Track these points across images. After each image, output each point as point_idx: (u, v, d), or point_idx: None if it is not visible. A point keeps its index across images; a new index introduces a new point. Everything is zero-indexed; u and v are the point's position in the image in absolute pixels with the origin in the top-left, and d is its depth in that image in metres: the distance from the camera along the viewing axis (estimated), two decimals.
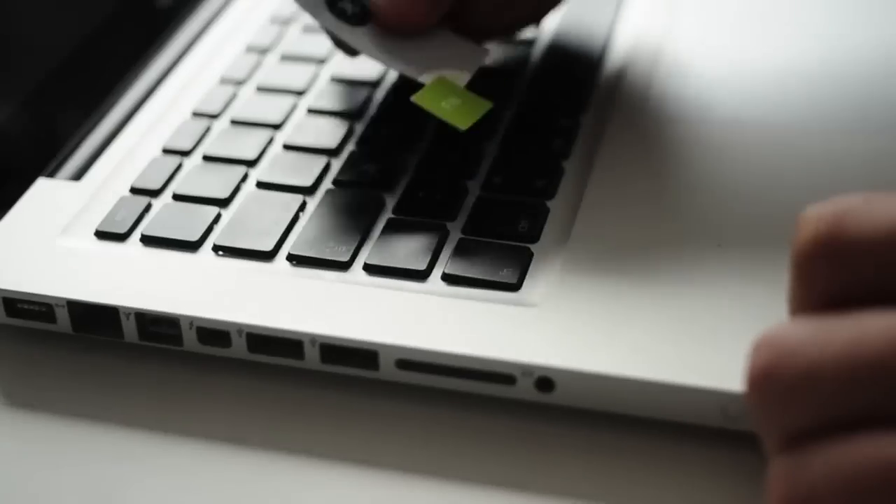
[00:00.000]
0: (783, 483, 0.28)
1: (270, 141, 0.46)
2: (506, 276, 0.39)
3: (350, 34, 0.40)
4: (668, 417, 0.36)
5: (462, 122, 0.38)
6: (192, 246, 0.41)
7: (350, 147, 0.46)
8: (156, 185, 0.44)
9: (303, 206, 0.43)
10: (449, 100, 0.38)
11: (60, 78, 0.49)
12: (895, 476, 0.27)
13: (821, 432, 0.28)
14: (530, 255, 0.40)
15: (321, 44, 0.51)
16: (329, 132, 0.46)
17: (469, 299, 0.38)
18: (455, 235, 0.41)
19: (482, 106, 0.38)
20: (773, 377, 0.28)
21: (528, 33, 0.51)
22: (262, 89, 0.49)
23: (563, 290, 0.38)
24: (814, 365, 0.28)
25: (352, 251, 0.40)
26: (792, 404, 0.28)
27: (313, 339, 0.37)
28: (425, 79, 0.39)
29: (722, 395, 0.35)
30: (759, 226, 0.41)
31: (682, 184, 0.43)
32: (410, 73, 0.39)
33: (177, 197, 0.43)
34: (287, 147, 0.46)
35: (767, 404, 0.29)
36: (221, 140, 0.46)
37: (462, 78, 0.40)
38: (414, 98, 0.38)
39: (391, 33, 0.42)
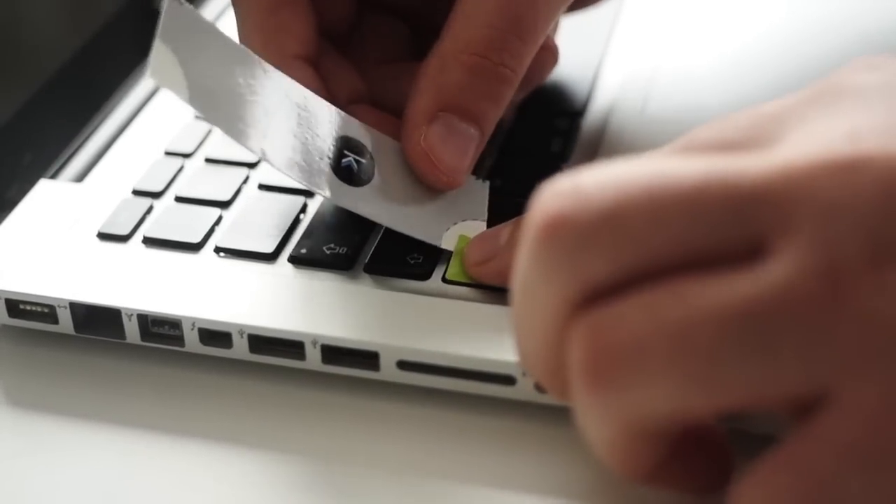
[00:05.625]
0: (597, 338, 0.25)
1: None
2: None
3: (354, 199, 0.40)
4: None
5: None
6: (193, 247, 0.41)
7: None
8: (158, 187, 0.44)
9: (304, 209, 0.43)
10: None
11: (63, 80, 0.49)
12: (728, 322, 0.24)
13: (630, 280, 0.25)
14: None
15: None
16: None
17: (469, 300, 0.38)
18: None
19: None
20: (570, 220, 0.25)
21: None
22: None
23: None
24: (617, 204, 0.25)
25: (353, 253, 0.40)
26: (594, 249, 0.25)
27: (314, 339, 0.38)
28: (446, 243, 0.40)
29: None
30: None
31: None
32: (429, 241, 0.40)
33: (179, 199, 0.44)
34: None
35: (564, 252, 0.25)
36: (223, 142, 0.46)
37: (478, 228, 0.41)
38: (448, 276, 0.39)
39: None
